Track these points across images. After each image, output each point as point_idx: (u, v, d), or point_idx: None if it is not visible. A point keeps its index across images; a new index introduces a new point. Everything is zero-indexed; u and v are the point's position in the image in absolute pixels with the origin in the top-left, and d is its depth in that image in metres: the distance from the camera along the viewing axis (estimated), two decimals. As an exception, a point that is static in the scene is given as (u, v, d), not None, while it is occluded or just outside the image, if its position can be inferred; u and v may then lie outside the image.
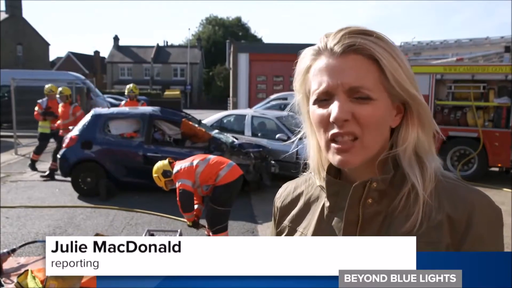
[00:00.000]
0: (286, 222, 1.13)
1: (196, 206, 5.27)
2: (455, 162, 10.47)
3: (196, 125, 9.23)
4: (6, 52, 43.34)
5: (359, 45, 0.92)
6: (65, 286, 4.04)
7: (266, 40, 70.71)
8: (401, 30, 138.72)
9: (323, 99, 0.95)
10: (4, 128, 18.55)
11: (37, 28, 52.48)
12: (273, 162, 9.13)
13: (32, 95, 15.87)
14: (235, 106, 23.99)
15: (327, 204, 1.03)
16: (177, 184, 5.08)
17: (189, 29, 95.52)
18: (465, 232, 0.90)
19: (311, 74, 0.98)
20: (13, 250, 5.29)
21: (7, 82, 15.48)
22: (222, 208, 5.11)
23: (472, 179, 9.92)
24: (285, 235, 1.11)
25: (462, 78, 10.31)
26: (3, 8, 44.59)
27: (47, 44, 50.93)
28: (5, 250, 5.15)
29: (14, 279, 4.36)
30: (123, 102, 11.93)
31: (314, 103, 0.97)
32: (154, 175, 5.40)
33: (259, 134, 10.50)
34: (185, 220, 5.42)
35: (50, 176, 10.27)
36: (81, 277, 4.37)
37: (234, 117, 11.91)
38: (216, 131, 9.82)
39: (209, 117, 12.35)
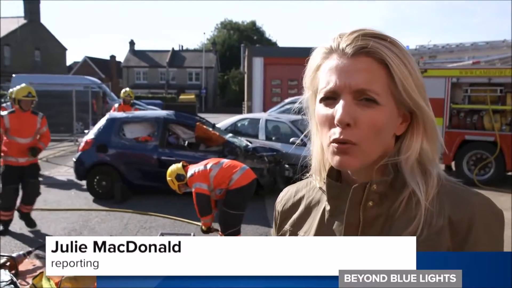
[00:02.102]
0: (287, 226, 1.13)
1: None
2: (472, 167, 10.33)
3: (210, 129, 9.27)
4: (25, 57, 44.03)
5: (371, 48, 0.92)
6: (78, 288, 4.07)
7: (281, 44, 70.68)
8: (415, 32, 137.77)
9: (329, 98, 0.95)
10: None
11: (54, 33, 53.20)
12: (287, 165, 9.12)
13: (49, 99, 16.12)
14: (249, 110, 23.98)
15: (328, 207, 1.03)
16: (193, 188, 5.09)
17: (204, 33, 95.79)
18: (465, 235, 0.90)
19: (320, 72, 0.98)
20: (29, 253, 5.35)
21: (25, 86, 15.70)
22: (235, 211, 5.11)
23: (489, 183, 9.80)
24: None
25: (479, 81, 10.19)
26: (21, 13, 45.31)
27: (64, 49, 51.60)
28: (21, 252, 5.21)
29: (30, 280, 4.41)
30: (116, 105, 11.65)
31: (321, 101, 0.97)
32: (168, 178, 5.42)
33: (273, 138, 10.50)
34: (199, 223, 5.42)
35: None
36: (95, 279, 4.41)
37: (248, 121, 11.92)
38: (230, 135, 9.84)
39: (224, 121, 12.40)
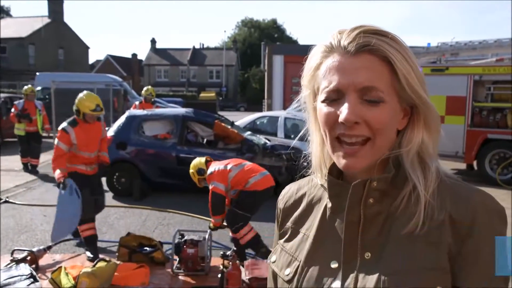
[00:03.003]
0: (289, 223, 1.12)
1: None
2: (494, 166, 10.17)
3: (229, 127, 9.28)
4: (48, 55, 44.77)
5: (374, 46, 0.91)
6: (96, 284, 4.12)
7: (302, 42, 70.32)
8: (435, 30, 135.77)
9: (333, 99, 0.93)
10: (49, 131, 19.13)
11: (77, 32, 53.92)
12: (305, 164, 9.07)
13: (71, 97, 16.31)
14: (269, 108, 23.94)
15: (329, 205, 1.02)
16: (210, 186, 5.11)
17: (224, 31, 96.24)
18: (468, 233, 0.89)
19: (321, 71, 0.96)
20: (49, 247, 5.45)
21: (48, 84, 15.94)
22: (242, 212, 5.10)
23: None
24: (288, 236, 1.11)
25: (502, 79, 9.99)
26: (46, 13, 46.05)
27: (87, 47, 52.32)
28: (41, 247, 5.31)
29: (49, 275, 4.49)
30: (137, 103, 11.67)
31: (323, 102, 0.95)
32: (191, 170, 5.49)
33: (292, 136, 10.45)
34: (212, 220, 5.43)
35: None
36: (111, 275, 4.47)
37: (267, 119, 11.91)
38: (249, 132, 9.83)
39: (243, 118, 12.40)
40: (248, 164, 5.40)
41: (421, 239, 0.89)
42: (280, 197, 1.20)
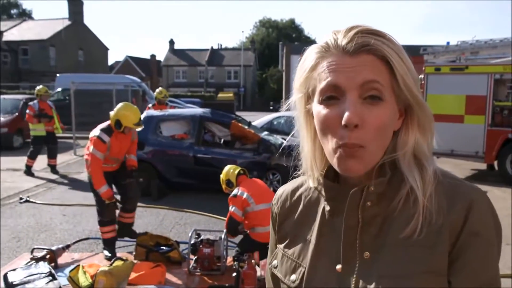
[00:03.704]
0: (288, 228, 1.11)
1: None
2: (515, 166, 10.00)
3: (246, 127, 9.29)
4: (69, 56, 45.39)
5: (373, 46, 0.90)
6: (113, 282, 4.16)
7: (320, 41, 70.02)
8: (455, 29, 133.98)
9: (332, 98, 0.91)
10: (65, 129, 19.39)
11: (96, 34, 54.54)
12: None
13: (91, 98, 16.54)
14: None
15: (327, 208, 1.02)
16: (230, 208, 5.09)
17: (242, 31, 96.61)
18: (461, 229, 0.90)
19: (317, 72, 0.94)
20: (68, 246, 5.52)
21: (68, 85, 16.15)
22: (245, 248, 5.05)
23: (533, 183, 9.48)
24: (289, 242, 1.09)
25: (524, 77, 9.83)
26: (66, 15, 46.68)
27: (106, 49, 52.88)
28: (60, 246, 5.39)
29: (67, 273, 4.55)
30: (150, 105, 11.53)
31: (321, 103, 0.93)
32: (221, 175, 5.41)
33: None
34: None
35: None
36: (128, 274, 4.51)
37: (284, 119, 11.90)
38: (266, 132, 9.83)
39: (260, 118, 12.40)
40: (265, 207, 5.10)
41: (419, 243, 0.89)
42: (274, 201, 1.18)
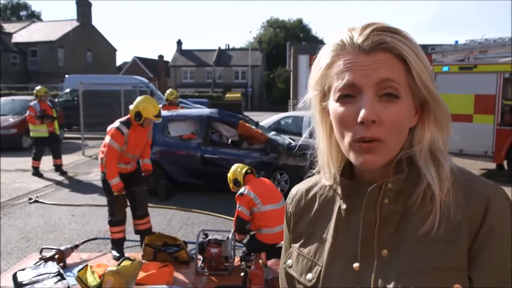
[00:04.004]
0: (303, 227, 1.11)
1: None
2: (525, 165, 9.92)
3: (253, 127, 9.29)
4: (77, 58, 45.65)
5: (389, 44, 0.90)
6: (121, 282, 4.18)
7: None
8: (463, 28, 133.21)
9: (348, 96, 0.92)
10: (73, 130, 19.49)
11: (105, 35, 54.77)
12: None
13: (99, 99, 16.62)
14: (295, 108, 23.92)
15: (343, 206, 1.02)
16: (237, 207, 5.09)
17: (250, 32, 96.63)
18: (480, 225, 0.90)
19: (333, 70, 0.95)
20: (76, 246, 5.54)
21: (76, 86, 16.23)
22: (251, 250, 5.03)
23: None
24: (304, 241, 1.09)
25: (533, 76, 9.76)
26: (75, 16, 46.94)
27: (114, 50, 53.13)
28: (69, 246, 5.41)
29: (75, 272, 4.57)
30: (160, 106, 11.72)
31: (337, 101, 0.94)
32: (229, 174, 5.40)
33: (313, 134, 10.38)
34: None
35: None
36: (136, 274, 4.52)
37: (291, 119, 11.89)
38: (273, 132, 9.82)
39: (268, 119, 12.40)
40: (277, 209, 5.12)
41: (438, 238, 0.89)
42: (289, 200, 1.17)
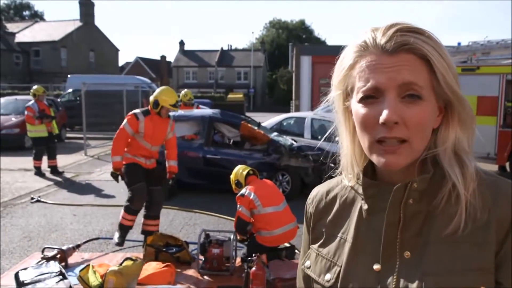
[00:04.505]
0: (322, 227, 1.10)
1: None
2: (527, 167, 9.90)
3: (255, 128, 9.29)
4: (80, 58, 45.75)
5: (412, 45, 0.89)
6: (122, 282, 4.18)
7: (330, 42, 69.96)
8: (472, 29, 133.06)
9: (371, 97, 0.92)
10: (76, 130, 19.51)
11: (107, 35, 54.84)
12: (332, 165, 9.01)
13: (102, 99, 16.65)
14: (297, 109, 23.85)
15: (365, 206, 1.01)
16: (238, 208, 5.08)
17: (252, 32, 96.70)
18: (510, 225, 0.88)
19: (356, 70, 0.95)
20: (78, 246, 5.55)
21: (79, 86, 16.25)
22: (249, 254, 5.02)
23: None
24: (323, 241, 1.08)
25: (536, 78, 9.74)
26: (77, 16, 47.04)
27: (117, 50, 53.21)
28: (70, 245, 5.41)
29: (77, 272, 4.57)
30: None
31: (360, 101, 0.94)
32: (231, 176, 5.42)
33: (319, 137, 10.40)
34: None
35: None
36: (138, 274, 4.52)
37: (294, 120, 11.88)
38: (275, 133, 9.83)
39: (270, 119, 12.39)
40: (278, 211, 5.12)
41: (464, 239, 0.88)
42: (309, 201, 1.17)
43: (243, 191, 5.11)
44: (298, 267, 1.15)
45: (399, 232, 0.94)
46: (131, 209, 5.75)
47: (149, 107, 5.76)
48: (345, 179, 1.08)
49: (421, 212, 0.94)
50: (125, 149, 5.74)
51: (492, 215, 0.89)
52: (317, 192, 1.16)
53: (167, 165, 6.11)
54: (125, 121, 5.65)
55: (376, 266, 0.95)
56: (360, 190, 1.03)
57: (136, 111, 5.72)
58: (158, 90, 5.81)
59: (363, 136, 0.94)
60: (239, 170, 5.35)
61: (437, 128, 0.97)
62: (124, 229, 5.80)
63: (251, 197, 5.02)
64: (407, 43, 0.89)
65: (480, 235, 0.88)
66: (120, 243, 5.70)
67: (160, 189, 6.06)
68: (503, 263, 0.87)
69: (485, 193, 0.91)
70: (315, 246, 1.09)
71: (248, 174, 5.31)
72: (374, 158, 0.94)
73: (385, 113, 0.88)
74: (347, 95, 0.99)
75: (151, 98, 5.73)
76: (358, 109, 0.93)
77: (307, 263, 1.10)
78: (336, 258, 1.03)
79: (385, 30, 0.92)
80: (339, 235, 1.05)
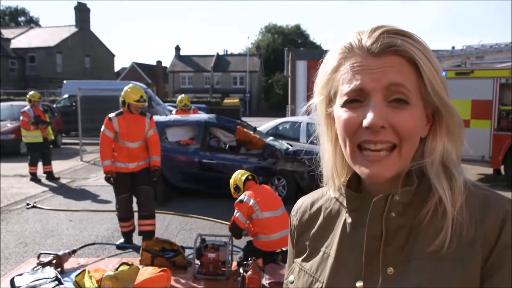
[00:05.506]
0: (306, 241, 1.05)
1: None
2: (522, 170, 9.95)
3: (251, 132, 9.30)
4: (76, 63, 45.70)
5: (400, 47, 0.85)
6: (119, 287, 4.18)
7: (325, 47, 70.12)
8: (467, 31, 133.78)
9: (355, 100, 0.87)
10: (71, 136, 19.48)
11: (103, 40, 54.85)
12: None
13: (98, 104, 16.62)
14: (293, 114, 23.87)
15: (349, 220, 0.96)
16: (235, 213, 5.10)
17: (248, 37, 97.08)
18: (495, 242, 0.83)
19: (340, 73, 0.89)
20: (74, 251, 5.54)
21: (74, 92, 16.24)
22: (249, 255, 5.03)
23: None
24: (307, 255, 1.03)
25: (529, 81, 9.81)
26: (73, 22, 47.04)
27: (113, 55, 53.16)
28: (66, 251, 5.41)
29: (73, 277, 4.57)
30: (173, 112, 11.83)
31: (343, 106, 0.88)
32: (231, 180, 5.43)
33: (315, 141, 10.39)
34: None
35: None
36: (134, 279, 4.52)
37: (289, 124, 11.90)
38: (271, 138, 9.84)
39: (265, 124, 12.42)
40: (276, 216, 5.11)
41: (449, 257, 0.83)
42: (293, 213, 1.12)
43: (242, 197, 5.12)
44: (284, 281, 1.11)
45: (382, 246, 0.89)
46: (120, 217, 6.26)
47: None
48: (330, 190, 1.02)
49: (405, 226, 0.89)
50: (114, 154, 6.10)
51: (479, 231, 0.84)
52: (301, 203, 1.11)
53: (150, 160, 6.28)
54: (103, 127, 6.00)
55: (359, 284, 0.90)
56: (345, 203, 0.97)
57: (110, 114, 6.07)
58: (124, 89, 6.11)
59: (345, 142, 0.89)
60: (238, 175, 5.37)
61: (425, 138, 0.92)
62: (125, 235, 6.29)
63: (250, 203, 5.03)
64: (394, 44, 0.85)
65: (465, 252, 0.83)
66: (125, 243, 6.25)
67: (148, 188, 6.28)
68: (488, 277, 0.82)
69: (473, 207, 0.86)
70: (299, 260, 1.05)
71: (247, 179, 5.32)
72: (358, 169, 0.89)
73: (369, 116, 0.83)
74: (330, 100, 0.94)
75: (120, 98, 6.07)
76: (341, 114, 0.88)
77: (291, 277, 1.06)
78: (318, 274, 0.97)
79: (371, 32, 0.88)
80: (323, 249, 1.00)
